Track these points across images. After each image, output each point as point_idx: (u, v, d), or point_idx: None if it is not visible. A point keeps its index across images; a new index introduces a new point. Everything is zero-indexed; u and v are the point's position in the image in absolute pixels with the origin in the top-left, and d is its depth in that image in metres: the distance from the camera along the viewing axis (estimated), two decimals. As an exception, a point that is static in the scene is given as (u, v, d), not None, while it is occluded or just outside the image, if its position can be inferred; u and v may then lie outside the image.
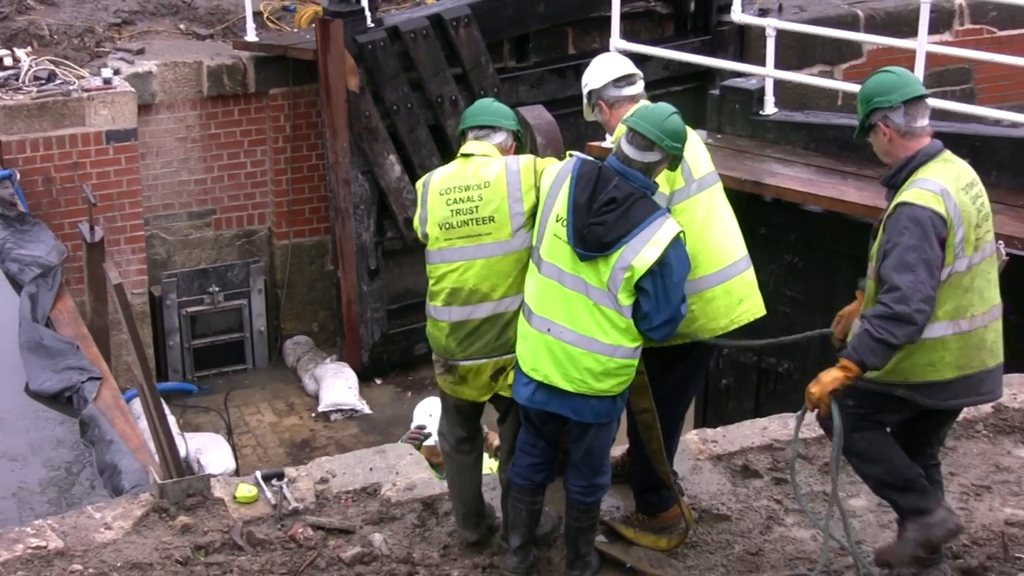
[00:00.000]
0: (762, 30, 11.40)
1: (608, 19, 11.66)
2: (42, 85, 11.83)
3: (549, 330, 5.66)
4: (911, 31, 11.55)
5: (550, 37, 13.72)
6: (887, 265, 5.30)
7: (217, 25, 13.62)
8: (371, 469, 6.81)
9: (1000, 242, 8.11)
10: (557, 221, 5.65)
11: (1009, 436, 7.23)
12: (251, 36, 13.02)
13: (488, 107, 6.13)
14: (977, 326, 5.53)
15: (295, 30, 13.57)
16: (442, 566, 6.13)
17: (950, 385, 5.52)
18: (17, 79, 11.87)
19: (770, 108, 11.22)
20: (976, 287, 5.50)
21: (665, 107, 5.73)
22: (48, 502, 7.73)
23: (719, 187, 6.17)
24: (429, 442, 8.11)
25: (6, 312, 9.44)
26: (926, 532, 5.63)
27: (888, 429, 5.72)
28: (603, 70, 6.12)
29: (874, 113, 5.52)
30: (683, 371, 6.21)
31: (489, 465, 6.89)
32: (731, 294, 6.03)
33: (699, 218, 5.98)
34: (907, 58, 10.77)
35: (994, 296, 5.61)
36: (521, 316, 5.79)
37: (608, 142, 8.96)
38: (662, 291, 5.51)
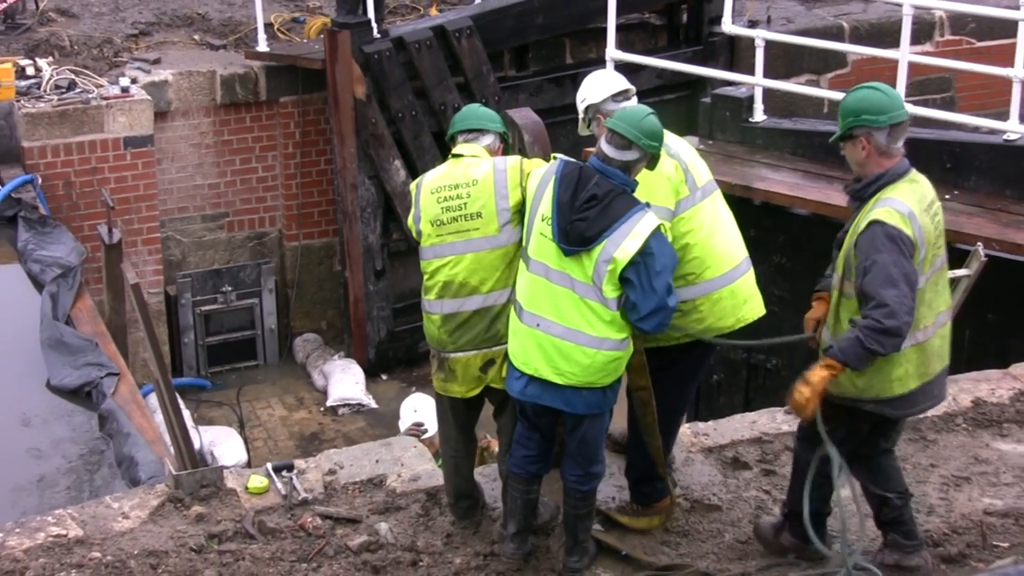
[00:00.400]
0: (751, 41, 11.40)
1: (604, 30, 11.67)
2: (63, 94, 11.82)
3: (538, 325, 5.67)
4: (894, 42, 11.55)
5: (548, 47, 13.71)
6: (871, 282, 5.34)
7: (230, 36, 13.62)
8: (377, 461, 6.80)
9: (979, 244, 8.16)
10: (543, 220, 5.68)
11: (987, 429, 7.23)
12: (262, 46, 13.03)
13: (476, 112, 6.20)
14: (929, 336, 5.61)
15: (304, 41, 13.56)
16: (445, 554, 6.13)
17: (912, 395, 5.61)
18: (39, 88, 11.86)
19: (759, 115, 11.22)
20: (927, 299, 5.57)
21: (642, 108, 5.76)
22: (68, 492, 7.73)
23: (719, 194, 6.20)
24: (428, 435, 8.14)
25: (28, 311, 9.44)
26: (800, 551, 5.81)
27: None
28: (601, 86, 6.08)
29: (859, 127, 5.53)
30: (686, 368, 6.23)
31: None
32: (736, 295, 6.06)
33: (705, 225, 6.00)
34: (890, 67, 10.78)
35: (941, 303, 5.68)
36: (512, 313, 5.81)
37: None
38: (646, 280, 5.51)
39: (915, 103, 10.58)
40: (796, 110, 13.20)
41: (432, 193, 5.96)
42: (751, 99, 11.24)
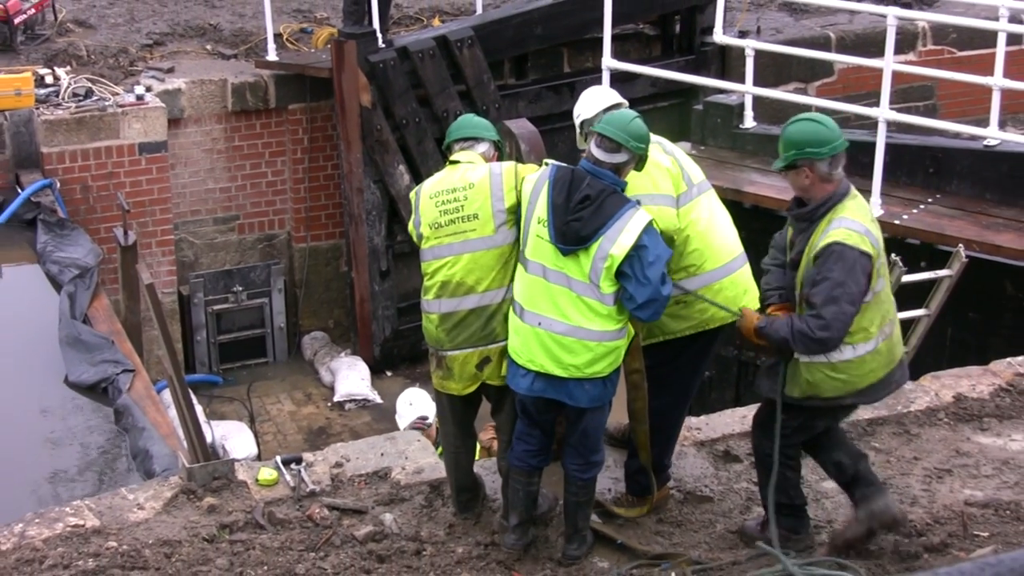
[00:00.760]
0: (742, 50, 11.41)
1: (600, 40, 11.66)
2: (80, 101, 11.82)
3: (540, 324, 5.68)
4: (879, 51, 11.56)
5: (547, 57, 13.70)
6: (818, 293, 5.53)
7: (240, 46, 13.61)
8: (382, 454, 6.80)
9: (960, 245, 8.17)
10: (539, 223, 5.70)
11: (968, 423, 7.23)
12: (272, 56, 13.01)
13: (471, 121, 6.24)
14: (893, 326, 5.80)
15: (312, 51, 13.55)
16: (448, 543, 6.13)
17: (882, 382, 5.77)
18: (57, 96, 11.86)
19: (749, 122, 11.23)
20: (889, 298, 5.79)
21: (628, 112, 5.81)
22: (85, 484, 7.73)
23: (715, 193, 6.28)
24: (430, 425, 8.14)
25: (47, 310, 9.44)
26: (785, 542, 5.83)
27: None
28: (593, 101, 6.15)
29: (802, 159, 5.62)
30: (690, 359, 6.24)
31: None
32: (737, 285, 6.11)
33: (703, 218, 6.06)
34: (875, 76, 10.78)
35: (891, 295, 5.90)
36: (512, 313, 5.82)
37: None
38: (640, 272, 5.53)
39: (899, 110, 10.58)
40: (785, 117, 13.13)
41: (431, 198, 5.99)
42: (741, 106, 11.26)
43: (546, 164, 5.90)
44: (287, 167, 13.28)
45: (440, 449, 6.73)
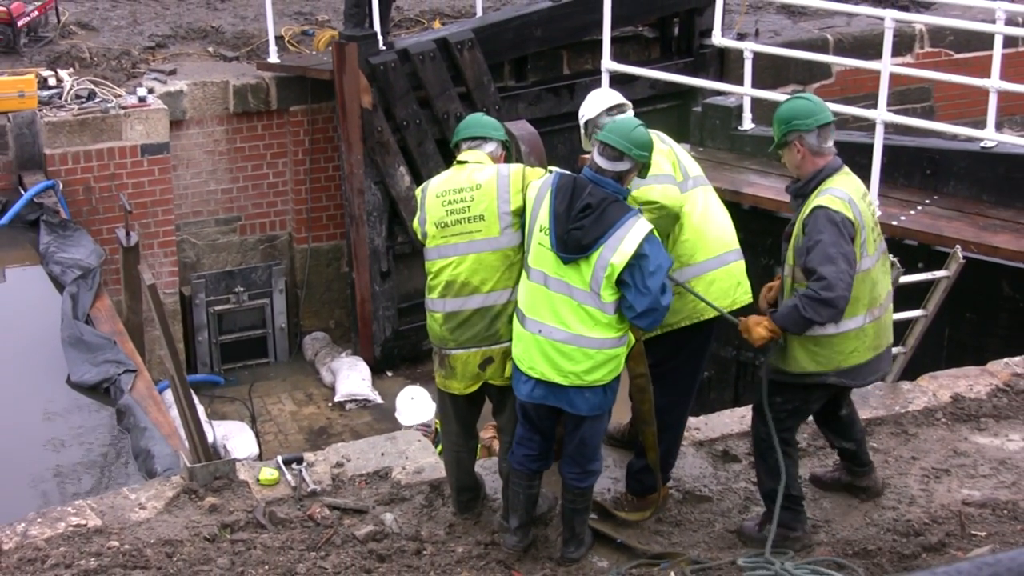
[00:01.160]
0: (740, 52, 11.40)
1: (599, 42, 11.64)
2: (83, 103, 11.81)
3: (540, 331, 5.67)
4: (876, 54, 11.55)
5: (547, 59, 13.69)
6: (812, 259, 5.64)
7: (242, 48, 13.60)
8: (383, 454, 6.79)
9: (957, 246, 8.15)
10: (541, 231, 5.68)
11: (966, 424, 7.22)
12: (273, 58, 13.01)
13: (479, 120, 6.22)
14: (884, 310, 5.94)
15: (313, 53, 13.54)
16: (448, 543, 6.12)
17: (867, 365, 5.91)
18: (60, 97, 11.85)
19: (748, 124, 11.21)
20: (880, 280, 5.89)
21: (631, 120, 5.78)
22: (87, 483, 7.72)
23: (711, 189, 6.32)
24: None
25: (50, 310, 9.43)
26: (782, 541, 5.98)
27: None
28: (596, 102, 6.18)
29: (791, 133, 5.81)
30: (690, 355, 6.24)
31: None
32: (731, 276, 6.12)
33: (698, 210, 6.09)
34: (872, 78, 10.77)
35: (887, 284, 6.01)
36: (515, 320, 5.81)
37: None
38: (640, 281, 5.52)
39: (896, 112, 10.58)
40: (783, 119, 13.18)
41: (437, 197, 5.97)
42: (740, 108, 11.24)
43: (550, 171, 5.89)
44: (288, 168, 13.27)
45: (440, 448, 6.72)
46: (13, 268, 10.64)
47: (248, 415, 12.23)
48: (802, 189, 5.85)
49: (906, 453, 6.92)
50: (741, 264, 6.21)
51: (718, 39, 11.70)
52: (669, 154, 6.07)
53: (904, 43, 14.52)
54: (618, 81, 11.59)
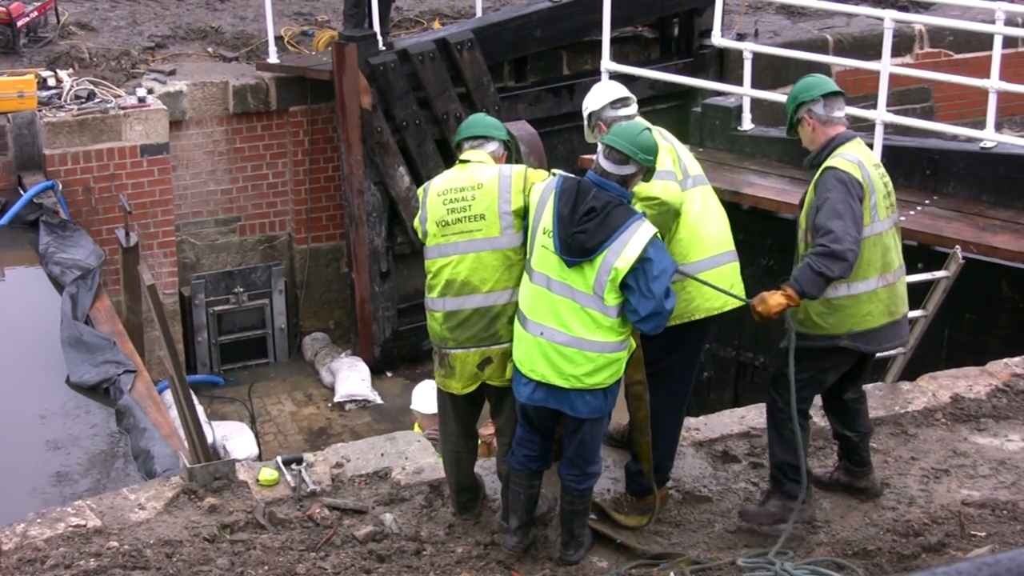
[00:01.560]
0: (740, 53, 11.40)
1: (599, 43, 11.65)
2: (82, 103, 11.81)
3: (542, 333, 5.66)
4: (876, 54, 11.56)
5: (546, 59, 13.70)
6: (821, 215, 5.77)
7: (242, 48, 13.60)
8: (382, 454, 6.79)
9: (957, 247, 8.15)
10: (544, 233, 5.67)
11: (965, 424, 7.22)
12: (273, 59, 13.01)
13: (481, 120, 6.23)
14: (898, 278, 6.04)
15: (313, 53, 13.55)
16: (447, 543, 6.11)
17: (881, 331, 6.00)
18: (60, 98, 11.86)
19: (747, 124, 11.22)
20: (895, 246, 6.01)
21: (637, 124, 5.77)
22: (87, 484, 7.71)
23: (710, 189, 6.31)
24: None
25: (49, 311, 9.42)
26: (786, 513, 6.06)
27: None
28: (601, 94, 6.20)
29: (800, 108, 6.00)
30: (682, 356, 6.23)
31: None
32: (725, 277, 6.11)
33: (695, 208, 6.09)
34: (872, 79, 10.77)
35: (900, 257, 6.11)
36: (517, 322, 5.80)
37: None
38: (644, 285, 5.51)
39: (896, 112, 10.58)
40: (782, 119, 13.16)
41: (439, 195, 5.97)
42: (739, 109, 11.25)
43: (553, 174, 5.88)
44: (288, 169, 13.27)
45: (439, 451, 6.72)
46: (13, 269, 10.64)
47: (248, 415, 12.23)
48: (815, 159, 6.00)
49: (906, 453, 6.92)
50: (736, 266, 6.20)
51: (718, 39, 11.71)
52: (670, 151, 6.08)
53: (904, 43, 14.53)
54: (617, 81, 11.57)
